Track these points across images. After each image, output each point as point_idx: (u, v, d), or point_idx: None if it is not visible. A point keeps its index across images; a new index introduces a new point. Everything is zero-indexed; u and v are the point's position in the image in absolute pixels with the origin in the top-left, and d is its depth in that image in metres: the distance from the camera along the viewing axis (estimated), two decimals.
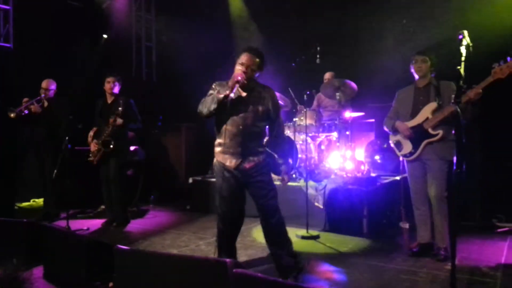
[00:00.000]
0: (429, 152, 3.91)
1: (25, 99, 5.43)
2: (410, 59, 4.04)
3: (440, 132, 3.82)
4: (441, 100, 3.84)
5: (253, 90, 3.40)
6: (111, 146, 5.19)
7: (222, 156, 3.39)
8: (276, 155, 3.82)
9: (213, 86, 3.45)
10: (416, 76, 4.03)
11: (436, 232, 3.97)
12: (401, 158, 4.19)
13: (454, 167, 2.77)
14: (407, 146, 4.04)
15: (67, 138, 5.02)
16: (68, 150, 5.01)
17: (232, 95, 3.22)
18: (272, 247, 3.47)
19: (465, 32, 2.82)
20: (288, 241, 3.47)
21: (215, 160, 3.47)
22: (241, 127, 3.30)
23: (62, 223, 5.15)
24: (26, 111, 5.42)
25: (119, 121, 5.18)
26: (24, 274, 2.99)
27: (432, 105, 3.88)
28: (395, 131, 4.14)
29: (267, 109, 3.39)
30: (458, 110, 2.85)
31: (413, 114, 4.01)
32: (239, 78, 3.24)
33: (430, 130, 3.87)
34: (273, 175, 3.57)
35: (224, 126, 3.34)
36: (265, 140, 3.51)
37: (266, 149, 3.49)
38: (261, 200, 3.39)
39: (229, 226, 3.52)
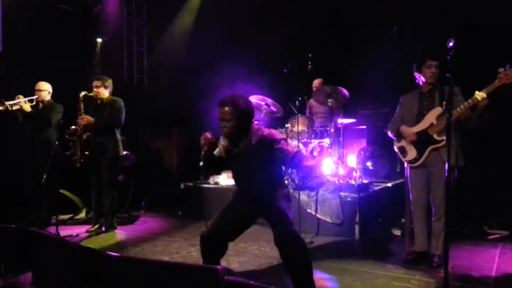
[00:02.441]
0: (434, 158, 3.83)
1: (18, 96, 5.38)
2: (421, 62, 3.89)
3: (445, 138, 3.70)
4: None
5: (245, 141, 3.14)
6: (78, 134, 5.22)
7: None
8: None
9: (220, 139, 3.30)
10: (423, 81, 3.92)
11: (432, 239, 3.93)
12: (406, 165, 4.12)
13: (446, 173, 2.75)
14: (412, 152, 3.96)
15: (57, 143, 4.97)
16: (59, 155, 4.96)
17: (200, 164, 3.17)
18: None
19: (455, 39, 2.80)
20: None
21: None
22: (247, 182, 3.22)
23: (51, 229, 5.09)
24: (17, 107, 5.36)
25: (85, 120, 5.19)
26: (13, 281, 2.94)
27: (437, 110, 3.81)
28: (399, 136, 4.05)
29: (266, 156, 3.11)
30: (450, 116, 2.84)
31: (418, 120, 3.93)
32: (202, 145, 3.15)
33: (435, 136, 3.80)
34: None
35: (234, 178, 3.38)
36: (281, 178, 3.33)
37: (283, 185, 3.29)
38: (275, 225, 3.07)
39: (210, 239, 3.17)
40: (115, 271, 2.78)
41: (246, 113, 3.12)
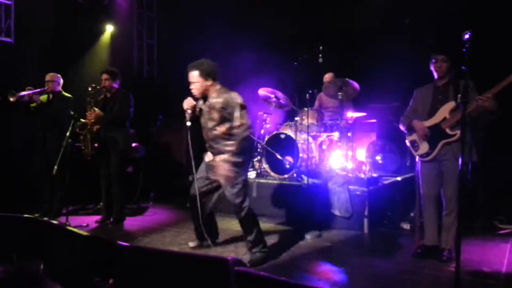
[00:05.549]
0: (446, 152, 3.81)
1: (28, 87, 5.39)
2: (430, 58, 3.91)
3: (458, 132, 3.70)
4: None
5: (210, 98, 3.82)
6: (88, 127, 5.23)
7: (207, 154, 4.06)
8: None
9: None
10: (436, 75, 3.93)
11: (443, 233, 3.91)
12: (417, 159, 4.08)
13: (459, 167, 2.72)
14: (424, 146, 3.93)
15: (68, 134, 5.00)
16: (70, 147, 4.98)
17: (188, 123, 3.87)
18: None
19: (471, 31, 2.76)
20: (253, 233, 3.87)
21: None
22: (205, 133, 3.93)
23: (62, 219, 5.13)
24: (27, 98, 5.37)
25: (94, 115, 5.18)
26: (25, 271, 2.97)
27: (451, 104, 3.79)
28: (411, 130, 4.03)
29: (222, 114, 3.74)
30: (465, 109, 2.81)
31: (431, 114, 3.90)
32: (185, 107, 3.87)
33: (447, 130, 3.78)
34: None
35: (203, 133, 4.00)
36: (237, 138, 3.74)
37: (240, 146, 3.72)
38: (225, 191, 3.86)
39: (193, 200, 4.00)
40: (126, 261, 2.79)
41: (209, 74, 3.75)
